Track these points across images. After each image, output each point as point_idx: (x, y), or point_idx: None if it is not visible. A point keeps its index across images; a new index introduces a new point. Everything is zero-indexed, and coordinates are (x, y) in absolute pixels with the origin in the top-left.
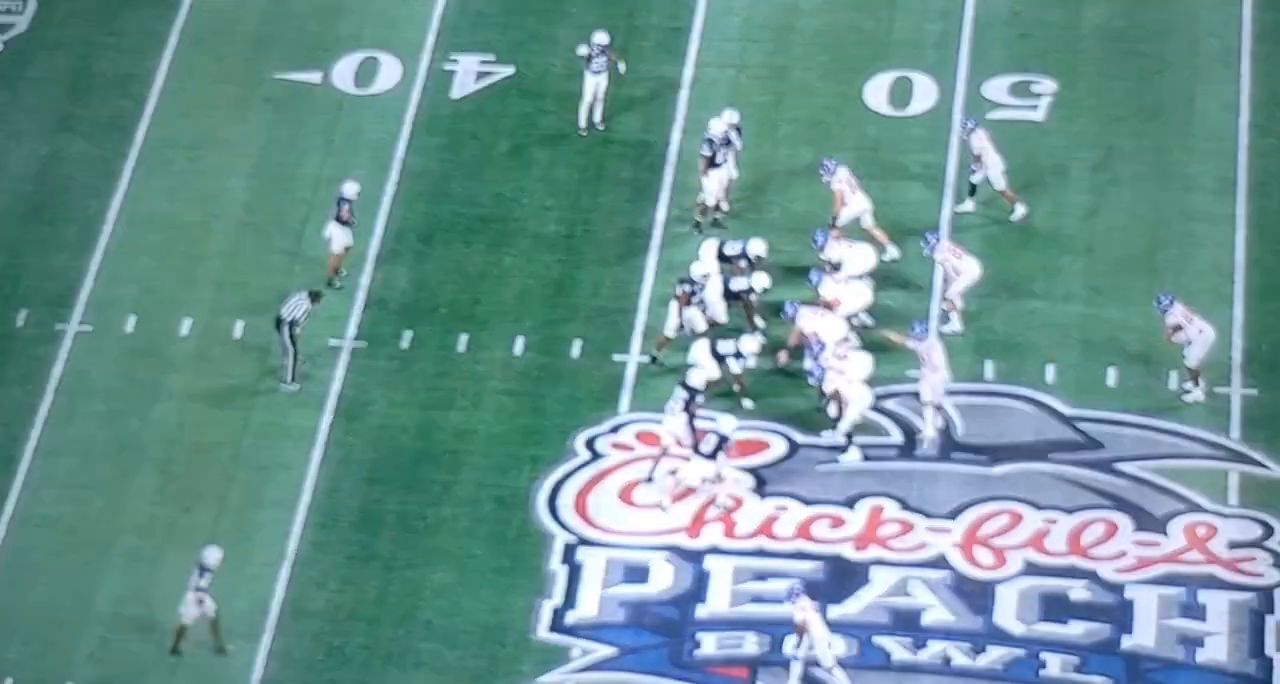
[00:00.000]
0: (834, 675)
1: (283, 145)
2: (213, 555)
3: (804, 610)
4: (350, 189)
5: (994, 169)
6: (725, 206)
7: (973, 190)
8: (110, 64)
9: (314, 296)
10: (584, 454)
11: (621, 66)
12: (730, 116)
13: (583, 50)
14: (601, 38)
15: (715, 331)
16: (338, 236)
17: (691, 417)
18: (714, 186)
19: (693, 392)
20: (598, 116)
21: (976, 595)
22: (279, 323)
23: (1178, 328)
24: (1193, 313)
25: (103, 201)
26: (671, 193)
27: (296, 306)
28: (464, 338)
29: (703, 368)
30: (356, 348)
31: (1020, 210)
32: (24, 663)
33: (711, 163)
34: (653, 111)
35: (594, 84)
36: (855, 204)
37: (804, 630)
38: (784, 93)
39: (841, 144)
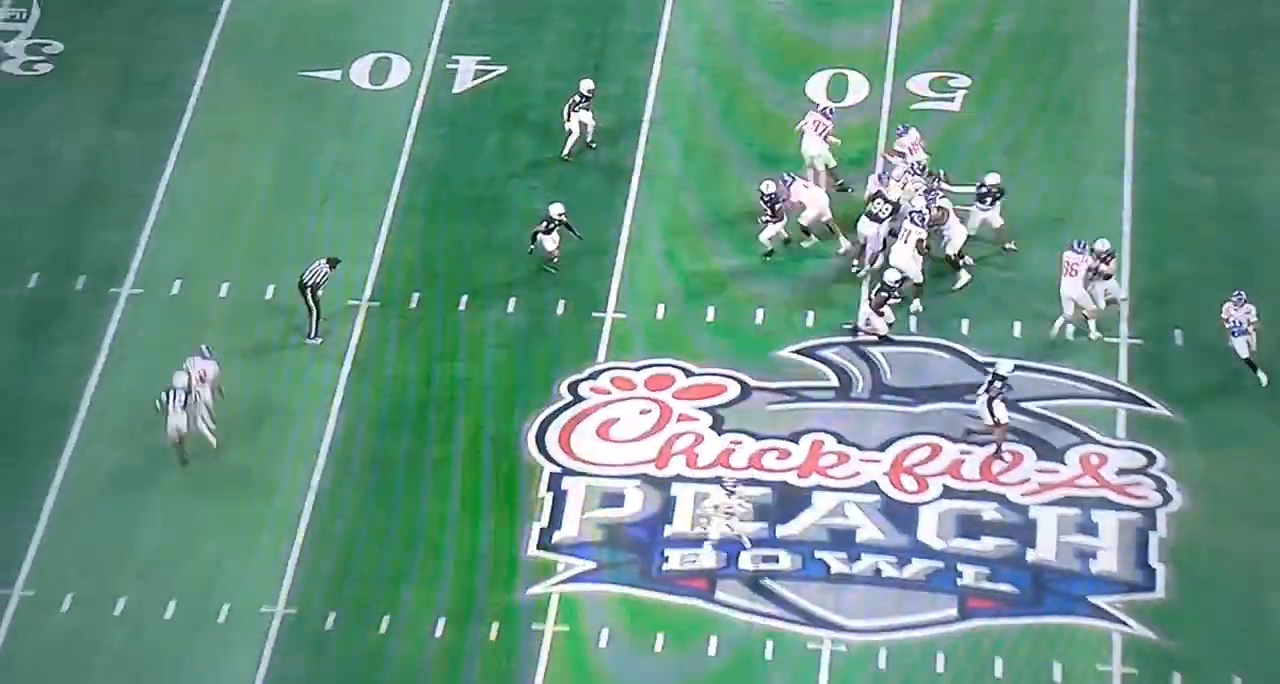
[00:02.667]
0: None
1: (305, 135)
2: (180, 379)
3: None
4: (555, 209)
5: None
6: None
7: None
8: (155, 65)
9: (332, 263)
10: (567, 397)
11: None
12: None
13: (578, 96)
14: (588, 84)
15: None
16: (547, 243)
17: (998, 400)
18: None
19: (1002, 379)
20: (588, 137)
21: (902, 516)
22: (302, 286)
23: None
24: None
25: (150, 184)
26: (640, 175)
27: (317, 272)
28: (464, 299)
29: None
30: (371, 308)
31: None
32: (82, 587)
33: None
34: (625, 105)
35: (578, 119)
36: None
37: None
38: (738, 90)
39: (788, 134)
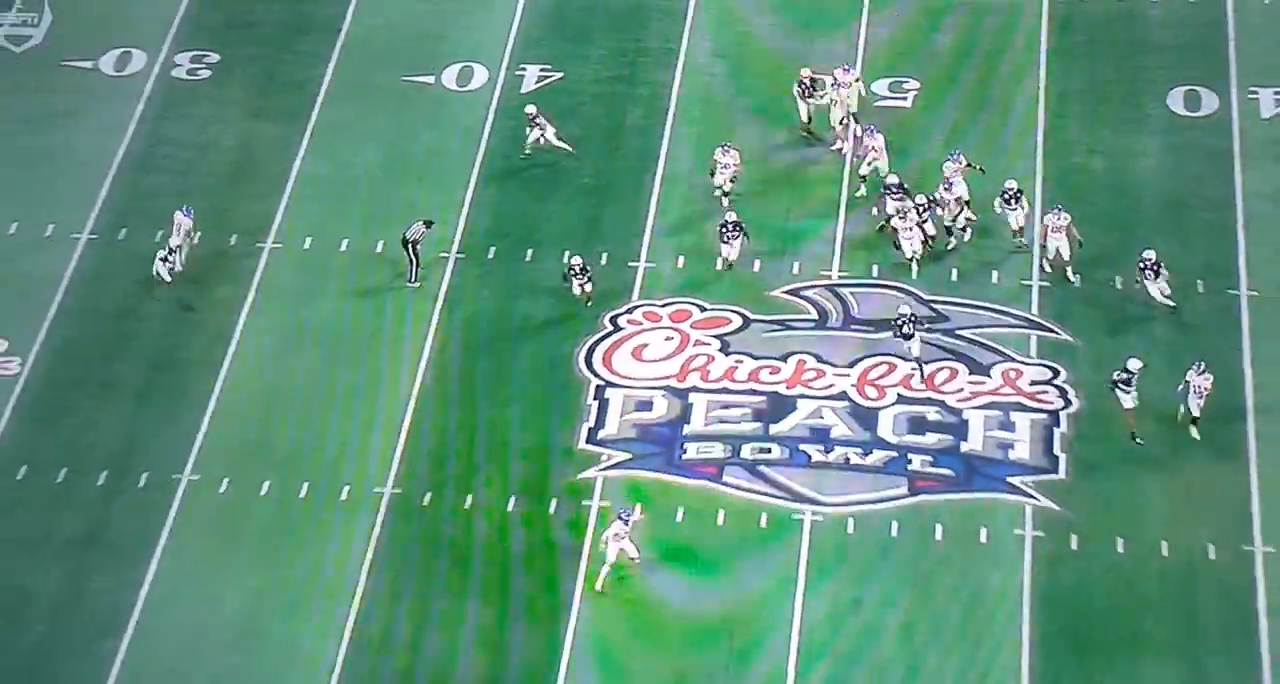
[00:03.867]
0: None
1: (407, 126)
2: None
3: None
4: (576, 260)
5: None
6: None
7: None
8: (290, 72)
9: (428, 224)
10: (609, 327)
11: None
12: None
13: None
14: (530, 109)
15: None
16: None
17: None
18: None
19: (1130, 374)
20: (556, 141)
21: (866, 417)
22: (404, 242)
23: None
24: None
25: (286, 164)
26: (665, 158)
27: (416, 231)
28: (529, 252)
29: None
30: (458, 259)
31: None
32: (235, 473)
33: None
34: (652, 104)
35: (536, 135)
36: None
37: None
38: (739, 90)
39: (778, 124)
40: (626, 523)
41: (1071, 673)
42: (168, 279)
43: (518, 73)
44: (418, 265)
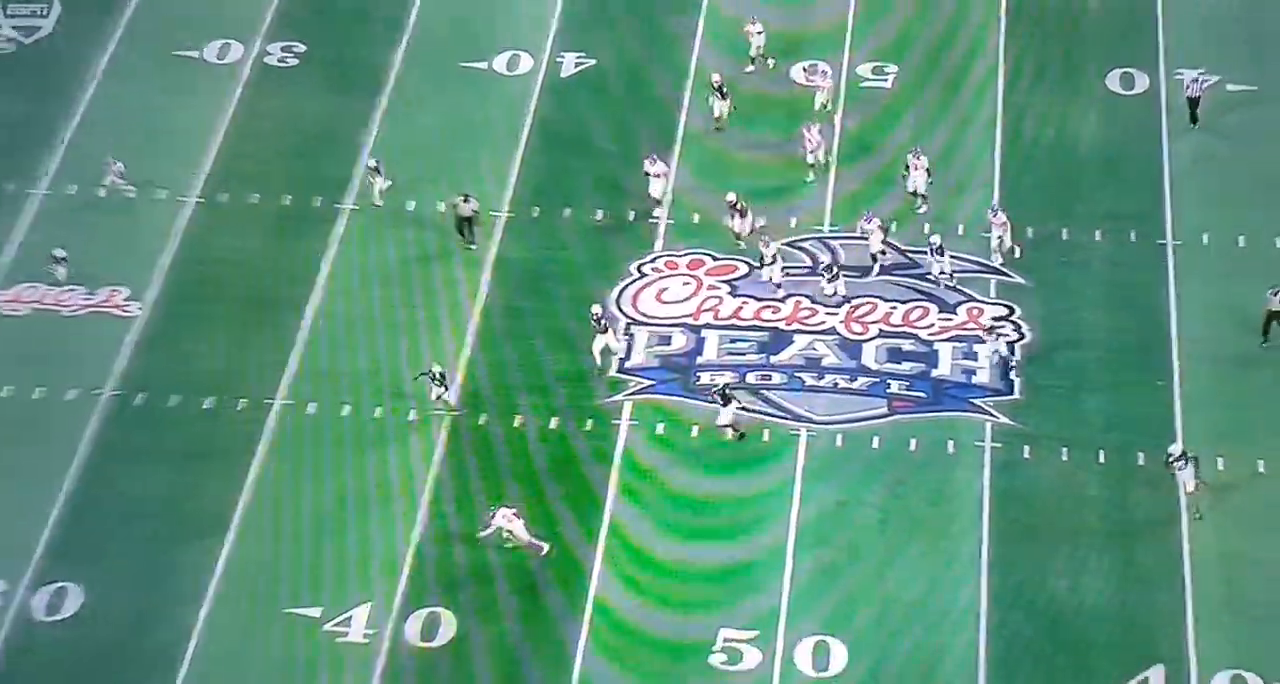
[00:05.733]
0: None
1: (464, 106)
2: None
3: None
4: (436, 368)
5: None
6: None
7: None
8: (364, 55)
9: (465, 198)
10: (635, 274)
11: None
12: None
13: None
14: (371, 162)
15: None
16: (434, 390)
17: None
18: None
19: (1177, 456)
20: (377, 197)
21: (852, 349)
22: (454, 213)
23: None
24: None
25: (363, 136)
26: (688, 113)
27: (457, 203)
28: (567, 210)
29: None
30: (508, 216)
31: None
32: (321, 397)
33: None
34: (676, 56)
35: (378, 188)
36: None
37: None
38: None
39: (777, 99)
40: (494, 518)
41: (1023, 560)
42: (60, 278)
43: (558, 59)
44: (472, 227)
